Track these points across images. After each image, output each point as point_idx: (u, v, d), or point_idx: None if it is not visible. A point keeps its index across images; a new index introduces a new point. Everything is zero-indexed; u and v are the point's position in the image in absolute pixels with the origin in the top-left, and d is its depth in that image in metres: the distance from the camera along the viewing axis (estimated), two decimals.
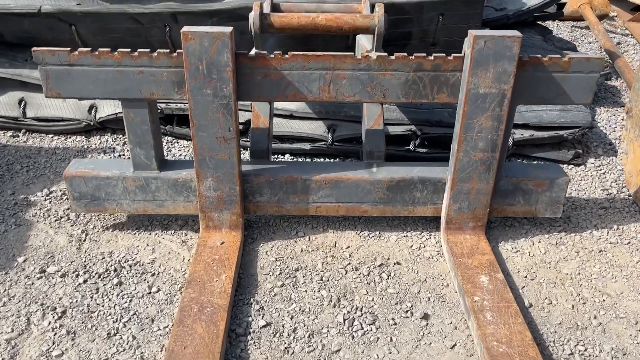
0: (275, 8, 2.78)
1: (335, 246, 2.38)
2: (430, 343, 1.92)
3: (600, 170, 2.99)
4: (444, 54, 2.07)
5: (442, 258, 2.32)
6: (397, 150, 2.95)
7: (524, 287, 2.18)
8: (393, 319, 2.02)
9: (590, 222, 2.56)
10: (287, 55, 2.06)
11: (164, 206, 2.37)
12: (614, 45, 4.40)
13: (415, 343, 1.92)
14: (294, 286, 2.16)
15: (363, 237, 2.44)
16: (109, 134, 3.24)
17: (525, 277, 2.23)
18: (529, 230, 2.50)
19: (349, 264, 2.27)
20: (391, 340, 1.93)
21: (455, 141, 2.19)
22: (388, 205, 2.38)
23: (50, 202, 2.63)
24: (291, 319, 2.00)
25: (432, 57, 2.06)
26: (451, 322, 2.01)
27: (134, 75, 2.09)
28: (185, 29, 1.97)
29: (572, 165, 3.03)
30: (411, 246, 2.39)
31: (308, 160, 3.01)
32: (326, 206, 2.38)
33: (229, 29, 1.97)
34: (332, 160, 3.02)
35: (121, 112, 3.02)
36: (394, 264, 2.29)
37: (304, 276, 2.21)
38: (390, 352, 1.88)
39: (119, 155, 3.03)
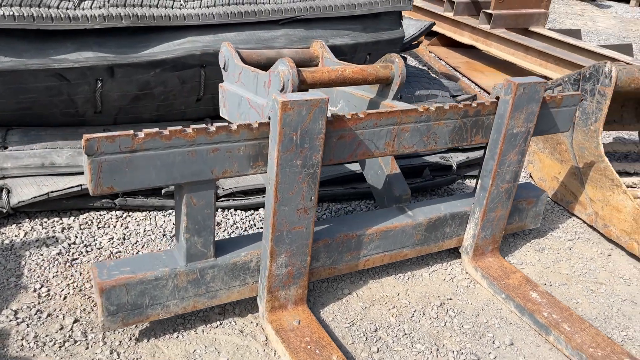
0: (240, 57, 2.61)
1: (386, 295, 2.37)
2: None
3: None
4: (482, 101, 2.26)
5: (478, 284, 2.51)
6: (356, 188, 3.01)
7: (564, 285, 2.52)
8: (490, 352, 2.14)
9: (544, 226, 3.05)
10: (361, 115, 1.99)
11: (217, 297, 2.04)
12: (447, 68, 5.15)
13: (517, 355, 2.08)
14: (388, 348, 2.10)
15: (401, 280, 2.48)
16: (25, 219, 2.56)
17: (545, 284, 2.57)
18: (514, 243, 2.86)
19: (415, 310, 2.30)
20: None
21: (488, 177, 2.39)
22: (424, 245, 2.47)
23: (27, 325, 2.01)
24: None
25: (475, 104, 2.23)
26: (532, 341, 2.22)
27: (208, 154, 1.77)
28: (283, 98, 1.75)
29: None
30: (444, 279, 2.53)
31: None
32: (374, 258, 2.36)
33: (324, 95, 1.82)
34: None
35: (54, 192, 2.47)
36: (448, 300, 2.39)
37: (387, 335, 2.16)
38: None
39: (70, 245, 2.44)
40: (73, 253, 2.40)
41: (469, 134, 2.29)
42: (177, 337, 2.03)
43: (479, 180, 2.45)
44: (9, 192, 2.51)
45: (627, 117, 3.67)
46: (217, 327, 2.10)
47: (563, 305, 2.32)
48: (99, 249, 2.45)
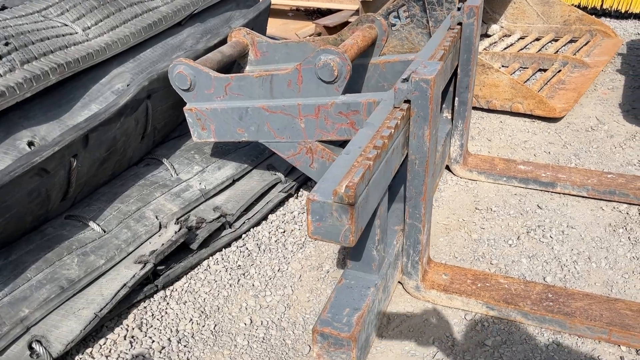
0: None
1: (444, 224, 2.64)
2: (569, 211, 2.71)
3: None
4: (454, 30, 2.57)
5: (479, 181, 2.96)
6: None
7: (512, 153, 3.14)
8: (538, 219, 2.65)
9: None
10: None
11: (389, 293, 2.04)
12: None
13: (558, 213, 2.67)
14: (496, 254, 2.43)
15: (437, 207, 2.76)
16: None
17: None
18: None
19: (474, 223, 2.64)
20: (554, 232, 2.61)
21: (465, 92, 2.76)
22: (440, 170, 2.78)
23: None
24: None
25: (455, 34, 2.54)
26: (547, 198, 2.81)
27: (390, 157, 1.71)
28: (429, 75, 1.77)
29: None
30: (456, 191, 2.90)
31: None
32: None
33: (440, 62, 1.90)
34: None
35: (102, 310, 1.97)
36: (477, 202, 2.79)
37: (486, 247, 2.48)
38: (567, 227, 2.59)
39: (162, 352, 1.99)
40: (177, 353, 1.98)
41: (454, 61, 2.61)
42: (380, 341, 1.98)
43: (456, 98, 2.81)
44: (40, 342, 1.85)
45: None
46: (392, 321, 2.09)
47: (543, 164, 2.97)
48: (193, 337, 2.06)
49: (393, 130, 1.68)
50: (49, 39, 2.21)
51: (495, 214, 2.69)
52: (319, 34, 5.18)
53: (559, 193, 2.83)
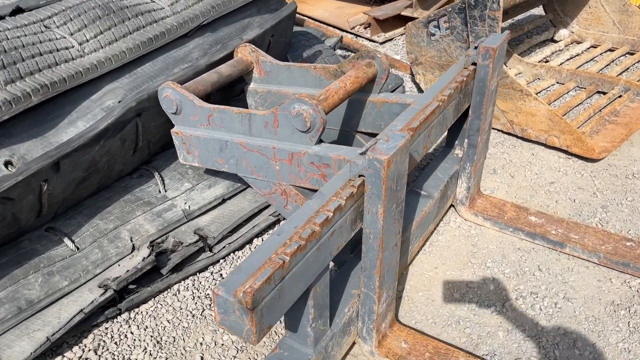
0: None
1: (430, 275, 2.51)
2: (572, 278, 2.48)
3: None
4: (467, 72, 2.36)
5: (483, 227, 2.77)
6: None
7: (532, 196, 2.91)
8: (534, 284, 2.45)
9: None
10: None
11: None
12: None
13: (558, 279, 2.45)
14: (476, 323, 2.28)
15: (427, 254, 2.62)
16: None
17: (523, 202, 2.95)
18: None
19: (464, 279, 2.49)
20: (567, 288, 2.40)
21: (475, 135, 2.56)
22: (438, 215, 2.62)
23: None
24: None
25: (464, 77, 2.33)
26: (553, 258, 2.59)
27: (328, 240, 1.62)
28: (384, 156, 1.63)
29: None
30: (455, 235, 2.74)
31: None
32: (415, 248, 2.44)
33: (407, 134, 1.74)
34: None
35: (55, 333, 2.02)
36: (474, 253, 2.62)
37: (465, 311, 2.33)
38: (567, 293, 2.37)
39: None
40: None
41: (462, 104, 2.40)
42: None
43: (466, 140, 2.61)
44: None
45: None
46: None
47: (558, 218, 2.72)
48: None
49: (332, 215, 1.58)
50: (41, 54, 2.23)
51: (488, 272, 2.52)
52: (369, 25, 4.96)
53: (568, 254, 2.60)
